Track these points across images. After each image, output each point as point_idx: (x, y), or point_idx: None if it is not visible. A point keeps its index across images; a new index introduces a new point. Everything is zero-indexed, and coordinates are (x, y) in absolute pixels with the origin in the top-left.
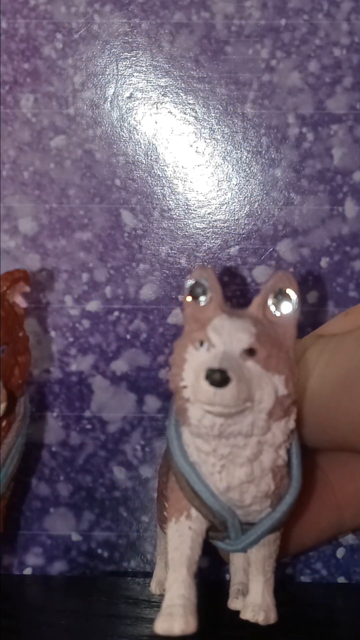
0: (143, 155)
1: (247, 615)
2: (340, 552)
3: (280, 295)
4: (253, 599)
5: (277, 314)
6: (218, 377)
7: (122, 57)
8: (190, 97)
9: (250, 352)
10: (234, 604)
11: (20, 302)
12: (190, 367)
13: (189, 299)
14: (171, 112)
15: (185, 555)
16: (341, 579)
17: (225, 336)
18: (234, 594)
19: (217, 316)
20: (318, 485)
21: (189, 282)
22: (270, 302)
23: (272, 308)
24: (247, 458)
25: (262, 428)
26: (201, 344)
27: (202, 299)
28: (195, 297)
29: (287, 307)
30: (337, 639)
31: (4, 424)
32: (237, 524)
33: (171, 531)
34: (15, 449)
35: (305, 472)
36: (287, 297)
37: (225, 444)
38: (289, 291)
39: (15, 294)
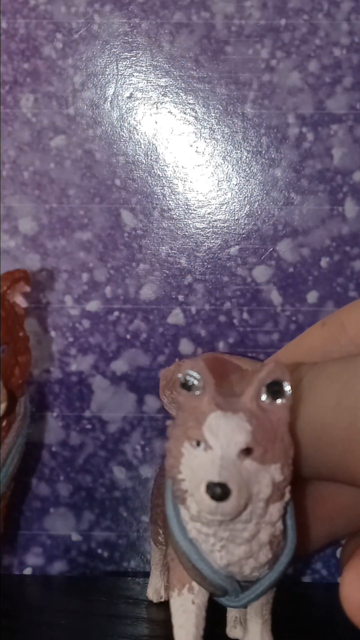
0: (143, 155)
1: None
2: (340, 552)
3: (273, 385)
4: (253, 639)
5: (270, 402)
6: (219, 492)
7: (122, 57)
8: (190, 97)
9: (247, 451)
10: (232, 633)
11: (21, 302)
12: (188, 464)
13: (183, 391)
14: (171, 112)
15: (192, 634)
16: None
17: (222, 438)
18: (231, 623)
19: (211, 412)
20: (310, 499)
21: (181, 376)
22: (263, 393)
23: (265, 398)
24: (245, 539)
25: (260, 514)
26: (198, 443)
27: (196, 389)
28: (188, 389)
29: (280, 397)
30: (337, 638)
31: (4, 423)
32: (237, 587)
33: (175, 604)
34: (16, 449)
35: (296, 487)
36: (280, 387)
37: (224, 529)
38: (282, 381)
39: (16, 293)
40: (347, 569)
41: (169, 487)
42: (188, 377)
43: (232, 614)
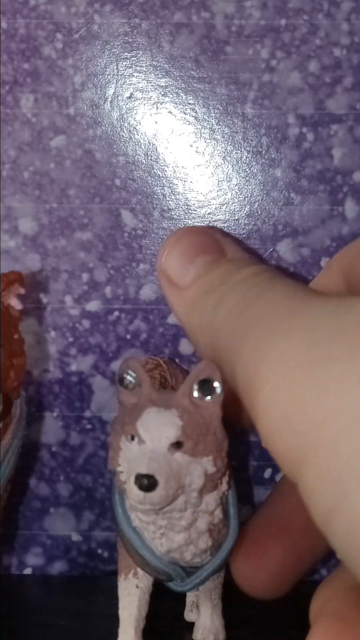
0: (143, 155)
1: (197, 637)
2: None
3: (204, 382)
4: (203, 622)
5: (202, 399)
6: (146, 483)
7: (122, 57)
8: (190, 97)
9: (177, 444)
10: (188, 616)
11: (15, 304)
12: (125, 457)
13: (121, 388)
14: (171, 112)
15: (133, 616)
16: None
17: (154, 432)
18: (188, 607)
19: (145, 409)
20: None
21: (118, 375)
22: (195, 389)
23: (196, 394)
24: (183, 527)
25: (195, 504)
26: (132, 437)
27: (133, 386)
28: (126, 387)
29: (211, 394)
30: None
31: (0, 426)
32: (181, 572)
33: (121, 588)
34: (12, 451)
35: None
36: (211, 385)
37: (162, 517)
38: (212, 379)
39: (10, 295)
40: (312, 631)
41: (116, 477)
42: (125, 375)
43: (189, 598)
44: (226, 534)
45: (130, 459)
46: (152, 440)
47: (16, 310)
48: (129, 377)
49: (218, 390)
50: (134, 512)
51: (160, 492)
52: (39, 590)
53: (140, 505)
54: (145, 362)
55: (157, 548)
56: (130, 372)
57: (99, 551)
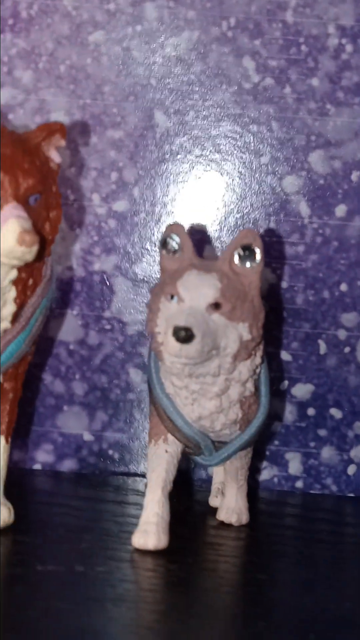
0: (181, 55)
1: (221, 516)
2: (351, 469)
3: (245, 249)
4: (228, 502)
5: (242, 266)
6: (183, 335)
7: None
8: (232, 2)
9: (215, 305)
10: (213, 501)
11: (55, 156)
12: (163, 316)
13: (163, 252)
14: (211, 15)
15: (161, 477)
16: (351, 495)
17: (193, 292)
18: (214, 493)
19: (186, 271)
20: None
21: (162, 239)
22: (236, 256)
23: (237, 261)
24: (215, 393)
25: (229, 369)
26: (172, 297)
27: (175, 249)
28: (169, 251)
29: (251, 261)
30: (341, 549)
31: (30, 282)
32: (210, 444)
33: (150, 452)
34: (40, 311)
35: None
36: (252, 252)
37: (195, 382)
38: (253, 246)
39: (51, 147)
40: None
41: (150, 344)
42: (169, 240)
43: (215, 485)
44: (256, 411)
45: (168, 317)
46: (191, 299)
47: (55, 163)
48: (172, 242)
49: (258, 257)
50: (168, 379)
51: (196, 346)
52: (49, 482)
53: (176, 357)
54: None
55: (188, 415)
56: (174, 235)
57: (110, 452)
